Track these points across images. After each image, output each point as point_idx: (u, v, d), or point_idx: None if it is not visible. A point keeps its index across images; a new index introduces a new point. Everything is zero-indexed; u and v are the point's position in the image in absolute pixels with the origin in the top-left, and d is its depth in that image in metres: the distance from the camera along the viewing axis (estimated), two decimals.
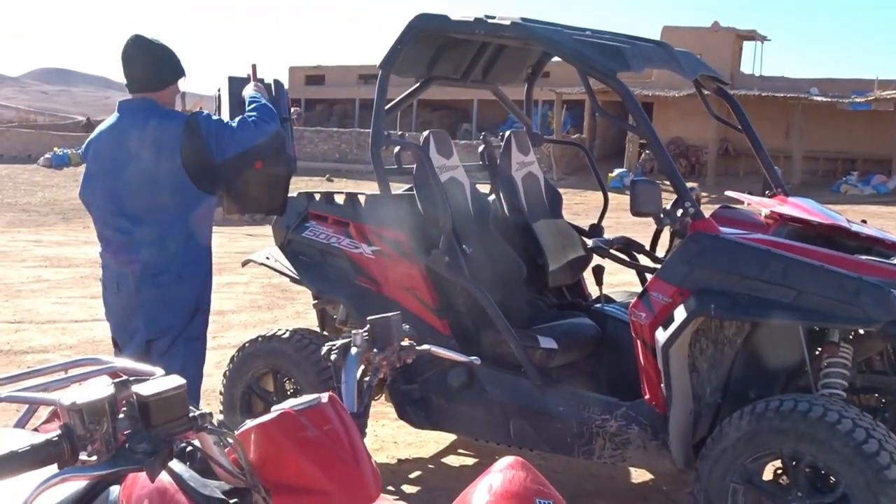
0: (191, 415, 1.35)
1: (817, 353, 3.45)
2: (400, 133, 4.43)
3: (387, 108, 4.14)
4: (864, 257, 3.29)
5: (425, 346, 1.92)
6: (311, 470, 1.39)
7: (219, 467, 1.40)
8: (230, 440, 1.40)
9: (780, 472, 3.16)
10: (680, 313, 3.23)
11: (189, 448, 1.42)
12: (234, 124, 3.53)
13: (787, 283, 3.11)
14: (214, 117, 3.62)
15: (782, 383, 3.57)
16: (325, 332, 4.51)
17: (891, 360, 3.58)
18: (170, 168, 3.44)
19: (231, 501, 1.47)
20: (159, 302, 3.53)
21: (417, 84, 4.58)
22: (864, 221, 3.91)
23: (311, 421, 1.42)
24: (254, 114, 3.58)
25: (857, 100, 24.70)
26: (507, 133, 4.73)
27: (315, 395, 1.47)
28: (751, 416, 3.07)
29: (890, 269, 3.18)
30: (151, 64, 3.55)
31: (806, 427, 2.93)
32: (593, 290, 4.69)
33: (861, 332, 3.41)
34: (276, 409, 1.45)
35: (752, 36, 30.89)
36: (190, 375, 3.47)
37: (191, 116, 3.51)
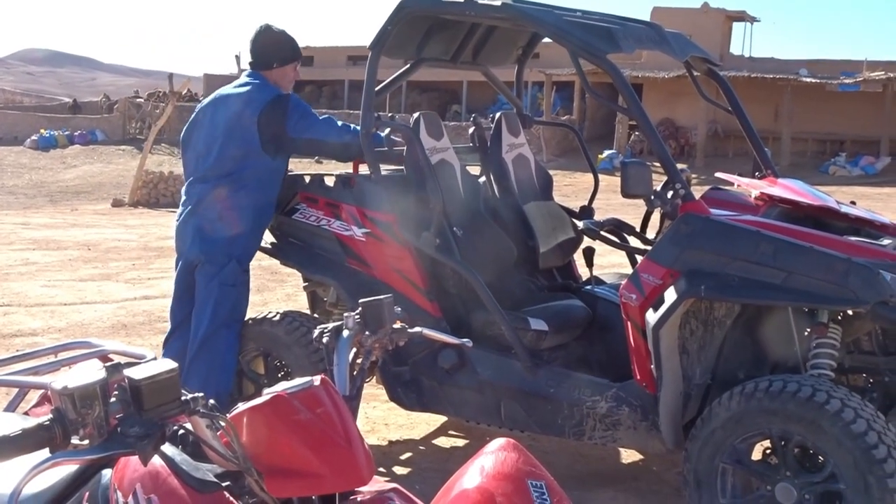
0: (182, 398, 1.35)
1: (806, 334, 3.47)
2: (390, 115, 4.41)
3: (376, 89, 4.12)
4: (853, 238, 3.31)
5: (417, 329, 1.92)
6: (304, 452, 1.39)
7: (211, 450, 1.40)
8: (222, 423, 1.40)
9: (768, 452, 3.18)
10: (670, 295, 3.24)
11: (181, 431, 1.42)
12: (322, 118, 4.21)
13: (777, 264, 3.12)
14: (308, 105, 4.28)
15: (771, 364, 3.59)
16: (315, 315, 4.51)
17: (879, 341, 3.60)
18: (247, 124, 4.02)
19: (223, 484, 1.47)
20: (198, 232, 4.11)
21: (407, 66, 4.55)
22: (853, 203, 3.92)
23: (304, 404, 1.42)
24: (346, 124, 4.25)
25: (846, 81, 24.75)
26: (498, 115, 4.72)
27: (307, 378, 1.47)
28: (740, 396, 3.09)
29: (879, 250, 3.20)
30: (265, 45, 4.18)
31: (795, 407, 2.95)
32: (584, 272, 4.69)
33: (850, 313, 3.43)
34: (269, 393, 1.45)
35: (741, 17, 30.85)
36: (221, 317, 4.12)
37: (284, 94, 4.13)
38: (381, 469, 4.14)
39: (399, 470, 4.18)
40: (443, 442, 4.58)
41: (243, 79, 4.24)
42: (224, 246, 4.10)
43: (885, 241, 3.35)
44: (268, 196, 4.15)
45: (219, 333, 4.10)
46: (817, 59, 29.19)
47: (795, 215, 3.58)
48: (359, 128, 3.99)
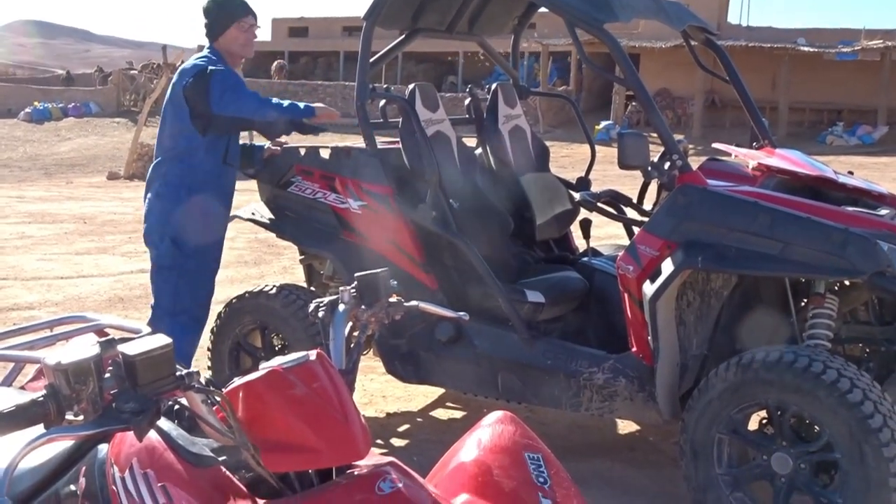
0: (178, 374, 1.34)
1: (803, 304, 3.47)
2: (385, 86, 4.37)
3: (371, 61, 4.08)
4: (850, 209, 3.30)
5: (413, 302, 1.91)
6: (300, 427, 1.39)
7: (207, 425, 1.40)
8: (218, 398, 1.39)
9: (765, 422, 3.19)
10: (667, 266, 3.23)
11: (177, 406, 1.41)
12: (247, 93, 3.98)
13: (774, 235, 3.11)
14: (237, 79, 4.04)
15: (768, 335, 3.60)
16: (312, 288, 4.50)
17: (876, 311, 3.61)
18: (178, 100, 3.95)
19: (220, 459, 1.47)
20: (145, 211, 4.13)
21: (402, 36, 4.51)
22: (850, 173, 3.91)
23: (300, 378, 1.42)
24: (277, 99, 4.05)
25: (844, 50, 24.60)
26: (494, 86, 4.68)
27: (303, 353, 1.47)
28: (737, 367, 3.09)
29: (876, 220, 3.19)
30: (206, 14, 4.05)
31: (791, 377, 2.95)
32: (580, 244, 4.69)
33: (847, 283, 3.43)
34: (265, 367, 1.44)
35: None
36: (162, 305, 4.06)
37: (208, 69, 3.90)
38: (379, 441, 4.16)
39: (397, 442, 4.19)
40: (440, 414, 4.60)
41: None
42: (157, 225, 4.02)
43: (883, 212, 3.34)
44: (205, 173, 4.00)
45: (162, 322, 3.95)
46: (815, 27, 29.03)
47: (793, 186, 3.57)
48: (283, 103, 3.97)
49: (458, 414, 4.57)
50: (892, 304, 3.47)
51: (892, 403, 2.93)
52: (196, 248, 4.02)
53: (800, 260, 3.09)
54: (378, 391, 4.82)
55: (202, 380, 1.40)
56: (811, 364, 2.94)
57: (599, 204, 3.93)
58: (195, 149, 3.99)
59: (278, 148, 4.29)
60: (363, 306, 1.79)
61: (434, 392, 4.73)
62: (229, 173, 4.13)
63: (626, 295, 3.42)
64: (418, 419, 4.52)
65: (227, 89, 3.89)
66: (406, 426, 4.41)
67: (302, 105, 4.03)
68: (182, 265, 4.00)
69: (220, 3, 4.01)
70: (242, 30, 3.99)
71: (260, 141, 4.51)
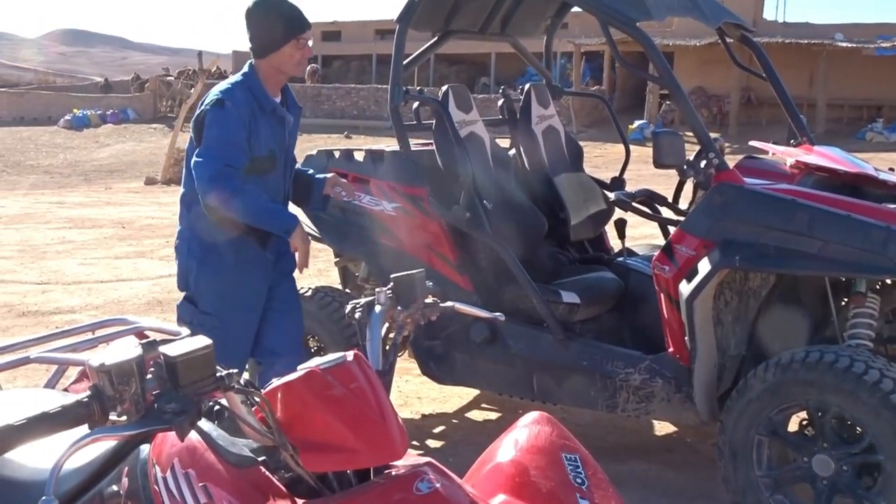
0: (218, 374, 1.35)
1: (843, 303, 3.42)
2: (418, 88, 4.38)
3: (404, 63, 4.09)
4: (891, 206, 3.24)
5: (449, 303, 1.91)
6: (338, 428, 1.39)
7: (247, 426, 1.41)
8: (257, 399, 1.41)
9: (805, 423, 3.15)
10: (704, 266, 3.20)
11: (217, 407, 1.43)
12: (202, 160, 3.23)
13: (813, 233, 3.07)
14: (216, 131, 3.25)
15: (808, 335, 3.55)
16: (347, 290, 4.52)
17: None
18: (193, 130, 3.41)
19: (259, 459, 1.48)
20: None
21: (435, 38, 4.52)
22: (891, 169, 3.85)
23: (338, 379, 1.42)
24: (226, 172, 3.20)
25: (883, 45, 24.17)
26: (527, 86, 4.68)
27: (341, 354, 1.47)
28: (776, 367, 3.05)
29: None
30: (254, 29, 3.36)
31: (832, 378, 2.91)
32: (615, 244, 4.66)
33: (889, 282, 3.38)
34: (303, 368, 1.45)
35: None
36: None
37: (210, 109, 3.27)
38: (415, 442, 4.17)
39: (432, 443, 4.20)
40: (475, 415, 4.60)
41: None
42: (179, 275, 3.53)
43: None
44: (212, 226, 3.34)
45: None
46: (853, 22, 28.60)
47: (832, 183, 3.52)
48: (223, 183, 3.19)
49: (494, 415, 4.57)
50: None
51: None
52: (218, 313, 3.40)
53: (840, 258, 3.05)
54: (413, 392, 4.83)
55: (242, 381, 1.41)
56: (852, 364, 2.90)
57: (634, 203, 3.91)
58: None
59: (341, 190, 3.75)
60: (399, 307, 1.79)
61: (469, 393, 4.73)
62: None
63: (662, 295, 3.39)
64: (454, 420, 4.52)
65: (204, 140, 3.26)
66: (441, 427, 4.41)
67: (281, 218, 3.31)
68: (207, 324, 3.29)
69: (278, 15, 3.31)
70: (299, 47, 3.33)
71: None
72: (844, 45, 24.57)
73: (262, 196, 3.32)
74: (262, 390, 1.44)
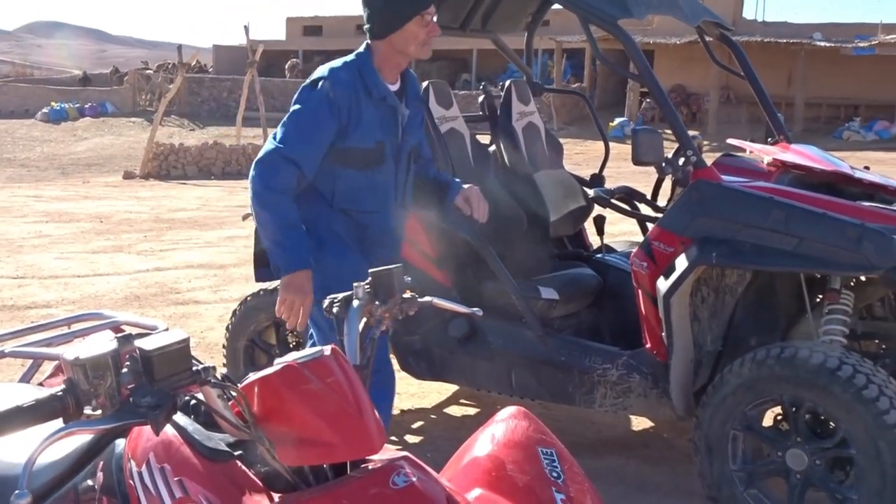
0: (194, 368, 1.35)
1: (818, 300, 3.46)
2: None
3: None
4: (866, 204, 3.28)
5: (427, 298, 1.92)
6: (315, 422, 1.39)
7: (223, 420, 1.41)
8: (234, 393, 1.41)
9: (780, 418, 3.18)
10: (681, 262, 3.23)
11: (193, 402, 1.43)
12: (274, 138, 2.95)
13: (789, 230, 3.10)
14: (296, 115, 2.98)
15: (783, 331, 3.59)
16: None
17: (892, 306, 3.59)
18: None
19: (236, 453, 1.48)
20: None
21: None
22: (866, 168, 3.89)
23: (315, 373, 1.43)
24: (290, 219, 2.90)
25: (861, 45, 24.41)
26: (508, 83, 4.68)
27: (318, 348, 1.48)
28: (752, 363, 3.08)
29: (893, 215, 3.17)
30: (372, 5, 3.04)
31: (806, 373, 2.94)
32: (594, 240, 4.68)
33: (863, 279, 3.41)
34: (280, 362, 1.45)
35: None
36: None
37: (304, 87, 3.02)
38: (393, 438, 4.18)
39: (411, 438, 4.21)
40: (454, 410, 4.61)
41: None
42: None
43: None
44: (313, 210, 3.06)
45: None
46: (832, 22, 28.84)
47: (808, 181, 3.55)
48: (283, 227, 2.91)
49: (472, 410, 4.58)
50: None
51: None
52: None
53: (815, 255, 3.08)
54: None
55: (218, 375, 1.41)
56: (827, 360, 2.93)
57: (613, 200, 3.93)
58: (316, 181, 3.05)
59: (478, 208, 3.29)
60: (377, 302, 1.79)
61: (448, 389, 4.74)
62: (357, 218, 3.11)
63: (639, 291, 3.42)
64: (432, 416, 4.53)
65: (285, 122, 2.98)
66: (420, 423, 4.42)
67: (284, 252, 2.89)
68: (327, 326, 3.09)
69: None
70: (424, 24, 2.99)
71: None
72: (823, 44, 24.79)
73: (295, 217, 2.89)
74: (238, 385, 1.44)
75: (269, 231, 2.92)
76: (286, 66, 34.35)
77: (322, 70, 3.03)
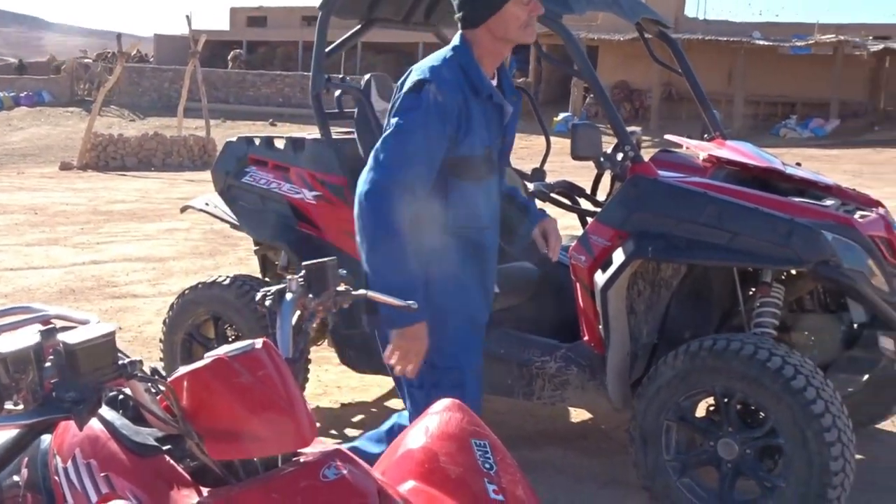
0: (120, 362, 1.33)
1: (751, 293, 3.54)
2: (342, 76, 4.35)
3: (327, 51, 4.06)
4: (797, 200, 3.36)
5: (361, 291, 1.92)
6: (245, 415, 1.39)
7: (150, 414, 1.40)
8: (162, 387, 1.39)
9: (712, 409, 3.25)
10: (618, 256, 3.27)
11: (121, 396, 1.41)
12: (378, 156, 2.53)
13: (723, 225, 3.17)
14: (403, 126, 2.56)
15: (716, 323, 3.67)
16: (266, 279, 4.48)
17: (820, 300, 3.69)
18: None
19: (164, 448, 1.46)
20: None
21: (358, 26, 4.49)
22: (798, 164, 3.98)
23: (245, 367, 1.42)
24: (395, 258, 2.48)
25: (798, 44, 25.01)
26: None
27: (249, 342, 1.47)
28: (685, 355, 3.14)
29: (821, 210, 3.26)
30: None
31: (738, 365, 3.01)
32: None
33: (793, 272, 3.50)
34: (210, 356, 1.44)
35: None
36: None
37: (405, 95, 2.60)
38: (333, 431, 4.17)
39: (351, 432, 4.20)
40: (395, 404, 4.61)
41: None
42: None
43: (828, 202, 3.41)
44: (423, 237, 2.59)
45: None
46: (770, 21, 29.47)
47: (742, 177, 3.62)
48: (392, 264, 2.48)
49: None
50: (835, 292, 3.55)
51: (834, 390, 3.01)
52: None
53: (747, 250, 3.15)
54: (333, 382, 4.82)
55: (146, 369, 1.40)
56: (757, 352, 3.00)
57: (553, 195, 3.96)
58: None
59: (554, 247, 2.98)
60: (311, 295, 1.79)
61: (388, 382, 4.72)
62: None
63: (578, 284, 3.45)
64: (373, 409, 4.53)
65: (388, 137, 2.56)
66: (361, 416, 4.41)
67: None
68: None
69: None
70: (523, 3, 2.57)
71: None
72: (762, 43, 25.32)
73: (410, 259, 2.49)
74: (167, 378, 1.42)
75: (381, 277, 2.47)
76: (229, 57, 33.93)
77: (421, 71, 2.62)
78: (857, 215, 3.30)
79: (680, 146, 4.20)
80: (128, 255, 8.28)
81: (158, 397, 1.43)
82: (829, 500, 2.90)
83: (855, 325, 3.36)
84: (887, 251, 3.27)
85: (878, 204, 3.58)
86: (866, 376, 3.72)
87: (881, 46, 24.54)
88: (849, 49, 24.22)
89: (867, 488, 3.54)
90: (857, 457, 3.06)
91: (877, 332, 3.24)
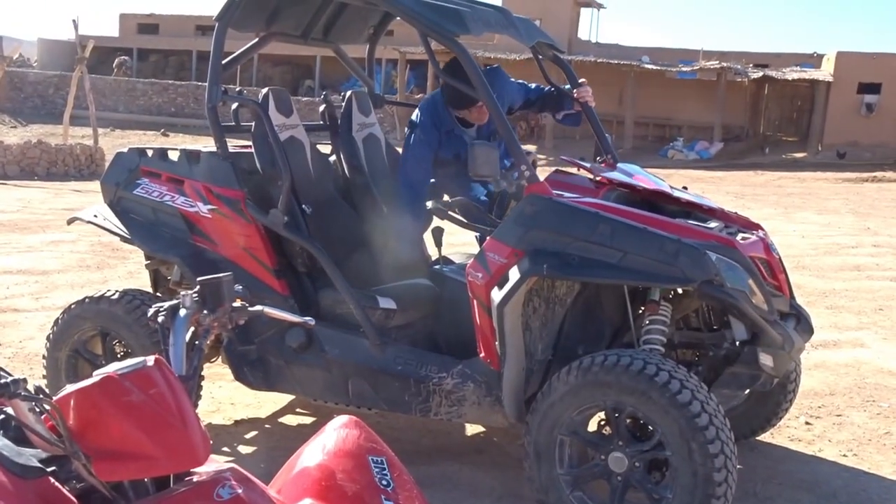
0: (2, 381, 1.28)
1: (640, 311, 3.65)
2: (238, 89, 4.30)
3: (224, 63, 4.00)
4: (683, 221, 3.49)
5: (258, 308, 1.89)
6: (136, 434, 1.35)
7: (34, 435, 1.35)
8: (47, 406, 1.34)
9: (603, 423, 3.33)
10: (514, 273, 3.33)
11: (2, 416, 1.35)
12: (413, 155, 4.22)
13: (614, 244, 3.26)
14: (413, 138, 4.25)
15: (608, 340, 3.77)
16: (158, 294, 4.36)
17: (705, 318, 3.84)
18: None
19: (48, 469, 1.41)
20: None
21: (256, 39, 4.45)
22: (685, 188, 4.14)
23: (136, 385, 1.39)
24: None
25: (684, 69, 26.06)
26: (348, 94, 4.68)
27: (141, 359, 1.43)
28: (577, 370, 3.21)
29: (706, 232, 3.40)
30: None
31: (627, 380, 3.10)
32: (433, 252, 4.75)
33: (679, 291, 3.63)
34: (99, 374, 1.40)
35: (588, 3, 31.94)
36: None
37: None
38: (226, 449, 4.08)
39: (245, 449, 4.12)
40: (290, 420, 4.55)
41: None
42: None
43: (712, 224, 3.56)
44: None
45: None
46: (659, 47, 30.59)
47: (632, 198, 3.75)
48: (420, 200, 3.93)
49: (309, 420, 4.54)
50: (719, 311, 3.70)
51: (718, 404, 3.13)
52: None
53: (637, 268, 3.25)
54: (227, 398, 4.72)
55: (30, 387, 1.34)
56: (645, 367, 3.10)
57: (450, 213, 3.99)
58: None
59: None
60: (205, 311, 1.76)
61: (284, 399, 4.68)
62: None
63: (475, 301, 3.49)
64: (267, 426, 4.45)
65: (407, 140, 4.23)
66: (254, 433, 4.34)
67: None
68: None
69: None
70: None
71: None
72: (650, 67, 26.24)
73: None
74: (52, 398, 1.37)
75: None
76: (114, 64, 32.94)
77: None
78: (738, 237, 3.46)
79: (574, 168, 4.30)
80: (8, 267, 7.91)
81: (43, 417, 1.37)
82: None
83: (737, 343, 3.50)
84: (766, 272, 3.44)
85: (757, 227, 3.76)
86: (748, 391, 3.88)
87: (760, 74, 25.81)
88: (731, 76, 25.37)
89: (747, 498, 3.70)
90: (739, 467, 3.19)
91: (757, 349, 3.38)
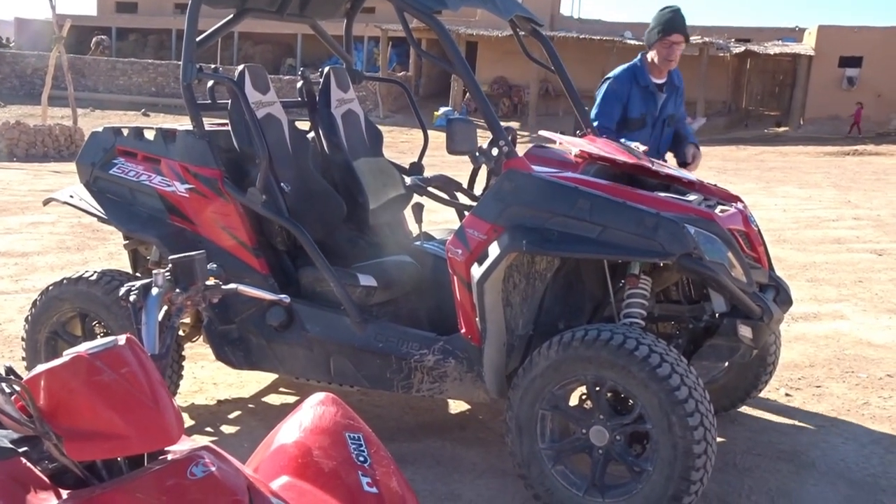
0: None
1: (620, 285, 3.66)
2: (215, 67, 4.25)
3: (199, 40, 3.96)
4: (662, 194, 3.49)
5: (232, 286, 1.88)
6: (107, 414, 1.34)
7: (4, 416, 1.33)
8: (17, 387, 1.33)
9: (584, 397, 3.35)
10: (494, 249, 3.32)
11: None
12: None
13: (593, 219, 3.26)
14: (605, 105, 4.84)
15: (589, 314, 3.78)
16: (137, 274, 4.34)
17: (685, 291, 3.85)
18: None
19: (20, 450, 1.40)
20: None
21: (231, 16, 4.39)
22: (664, 161, 4.14)
23: (107, 364, 1.37)
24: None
25: None
26: (326, 69, 4.65)
27: (112, 338, 1.42)
28: (558, 345, 3.22)
29: (685, 205, 3.40)
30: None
31: (607, 354, 3.11)
32: (414, 228, 4.74)
33: (659, 264, 3.64)
34: (69, 353, 1.39)
35: None
36: None
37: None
38: (209, 429, 4.08)
39: (227, 429, 4.12)
40: (273, 399, 4.55)
41: None
42: None
43: (692, 197, 3.56)
44: None
45: None
46: (641, 22, 30.48)
47: (612, 172, 3.74)
48: None
49: (291, 399, 4.54)
50: (698, 284, 3.72)
51: (697, 377, 3.15)
52: None
53: (616, 242, 3.25)
54: (209, 378, 4.71)
55: (0, 369, 1.33)
56: (625, 341, 3.11)
57: (430, 189, 3.98)
58: None
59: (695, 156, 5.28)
60: (178, 290, 1.74)
61: (266, 378, 4.67)
62: None
63: (455, 278, 3.49)
64: (250, 405, 4.45)
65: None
66: (237, 413, 4.33)
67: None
68: None
69: (658, 16, 4.93)
70: (663, 45, 4.91)
71: None
72: (633, 42, 26.18)
73: None
74: (22, 378, 1.36)
75: None
76: (91, 43, 32.58)
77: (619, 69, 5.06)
78: (717, 210, 3.46)
79: (553, 141, 4.29)
80: None
81: (13, 397, 1.36)
82: (692, 481, 3.04)
83: (716, 315, 3.52)
84: (745, 244, 3.45)
85: (736, 199, 3.77)
86: (727, 363, 3.90)
87: (742, 49, 25.83)
88: (713, 51, 25.39)
89: (727, 469, 3.74)
90: (719, 439, 3.21)
91: (736, 321, 3.39)
